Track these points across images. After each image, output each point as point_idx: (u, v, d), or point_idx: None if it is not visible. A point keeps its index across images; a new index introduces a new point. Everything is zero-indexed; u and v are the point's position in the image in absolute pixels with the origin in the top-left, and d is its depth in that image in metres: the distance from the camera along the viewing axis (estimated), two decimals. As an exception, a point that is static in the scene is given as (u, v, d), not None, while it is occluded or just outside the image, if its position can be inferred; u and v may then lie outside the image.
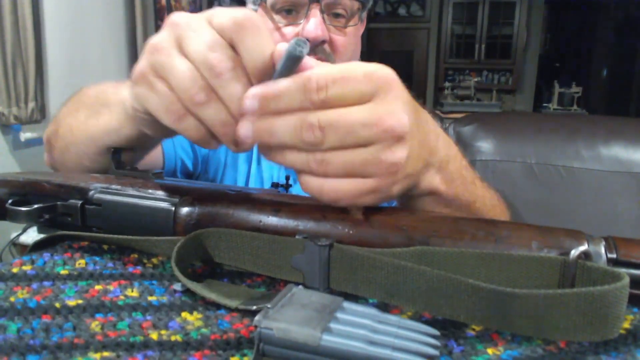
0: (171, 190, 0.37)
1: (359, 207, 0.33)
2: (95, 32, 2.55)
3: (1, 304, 0.29)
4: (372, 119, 0.30)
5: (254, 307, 0.27)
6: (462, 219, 0.32)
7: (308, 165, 0.31)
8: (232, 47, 0.31)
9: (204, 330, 0.27)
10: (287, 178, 0.74)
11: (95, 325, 0.27)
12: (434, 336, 0.23)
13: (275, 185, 0.74)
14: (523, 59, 5.30)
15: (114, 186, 0.38)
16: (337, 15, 0.67)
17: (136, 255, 0.36)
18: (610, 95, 5.56)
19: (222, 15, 0.32)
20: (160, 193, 0.37)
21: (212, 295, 0.29)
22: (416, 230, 0.31)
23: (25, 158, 2.18)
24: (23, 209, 0.37)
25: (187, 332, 0.27)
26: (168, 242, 0.33)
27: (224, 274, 0.34)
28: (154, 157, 0.57)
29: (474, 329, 0.28)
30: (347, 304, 0.25)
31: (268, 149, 0.33)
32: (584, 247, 0.27)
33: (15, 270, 0.33)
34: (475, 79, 5.12)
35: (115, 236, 0.35)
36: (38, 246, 0.37)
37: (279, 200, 0.35)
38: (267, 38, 0.31)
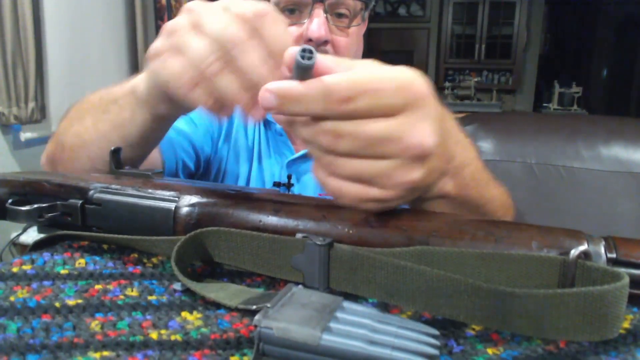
0: (171, 190, 0.37)
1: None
2: (95, 32, 2.55)
3: (1, 304, 0.29)
4: (395, 135, 0.28)
5: (254, 307, 0.27)
6: (462, 219, 0.32)
7: (318, 158, 0.31)
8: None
9: (203, 329, 0.27)
10: (289, 177, 0.74)
11: (95, 324, 0.27)
12: (434, 336, 0.23)
13: (277, 184, 0.74)
14: (523, 59, 5.30)
15: (113, 186, 0.38)
16: (340, 15, 0.67)
17: (136, 255, 0.36)
18: (610, 95, 5.56)
19: (241, 4, 0.34)
20: (160, 193, 0.37)
21: (211, 295, 0.29)
22: (416, 230, 0.31)
23: (25, 158, 2.18)
24: (23, 208, 0.37)
25: (187, 332, 0.27)
26: (168, 242, 0.33)
27: (224, 274, 0.34)
28: (152, 161, 0.57)
29: (474, 329, 0.28)
30: (347, 304, 0.25)
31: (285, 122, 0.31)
32: (583, 247, 0.27)
33: (15, 269, 0.33)
34: (475, 79, 5.12)
35: (115, 236, 0.35)
36: (38, 246, 0.37)
37: (279, 199, 0.35)
38: (286, 28, 0.35)
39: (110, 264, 0.35)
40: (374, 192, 0.30)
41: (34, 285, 0.31)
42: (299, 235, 0.31)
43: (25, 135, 2.13)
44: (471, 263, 0.29)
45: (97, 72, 2.55)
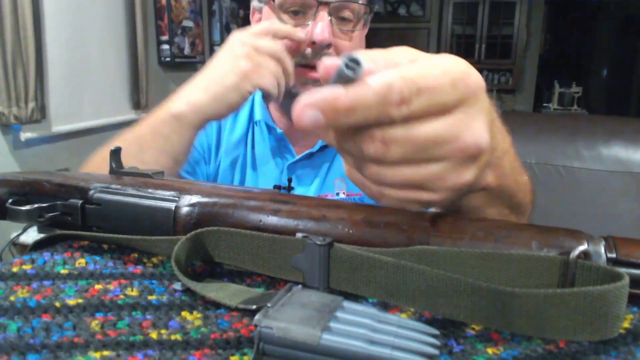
0: (171, 190, 0.37)
1: None
2: (95, 32, 2.55)
3: (1, 303, 0.29)
4: (449, 135, 0.25)
5: (254, 307, 0.27)
6: (462, 219, 0.32)
7: (358, 168, 0.28)
8: None
9: (203, 329, 0.27)
10: (290, 180, 0.74)
11: (95, 324, 0.27)
12: (434, 335, 0.23)
13: (277, 187, 0.74)
14: (523, 59, 5.30)
15: (113, 186, 0.38)
16: (343, 19, 0.67)
17: (136, 255, 0.36)
18: (610, 95, 5.56)
19: (262, 31, 0.61)
20: (160, 193, 0.37)
21: (211, 295, 0.29)
22: (416, 230, 0.31)
23: (25, 158, 2.18)
24: (23, 208, 0.37)
25: (187, 332, 0.27)
26: (168, 242, 0.33)
27: (224, 274, 0.34)
28: None
29: (473, 329, 0.28)
30: (347, 304, 0.25)
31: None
32: (583, 247, 0.27)
33: (15, 269, 0.33)
34: (475, 79, 5.11)
35: (115, 236, 0.35)
36: (38, 245, 0.37)
37: (279, 199, 0.35)
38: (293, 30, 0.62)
39: (110, 263, 0.35)
40: (422, 195, 0.28)
41: (34, 285, 0.31)
42: (299, 235, 0.31)
43: (25, 135, 2.14)
44: (471, 263, 0.29)
45: (97, 72, 2.56)
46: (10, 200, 0.39)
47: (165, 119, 0.57)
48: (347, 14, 0.67)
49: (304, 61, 0.66)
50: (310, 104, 0.24)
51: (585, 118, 1.84)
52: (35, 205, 0.37)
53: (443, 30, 5.32)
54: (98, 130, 2.55)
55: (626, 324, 0.28)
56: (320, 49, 0.65)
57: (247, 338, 0.26)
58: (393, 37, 5.39)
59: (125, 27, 2.79)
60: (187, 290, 0.31)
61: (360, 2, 0.66)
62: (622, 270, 0.26)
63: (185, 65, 3.37)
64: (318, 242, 0.30)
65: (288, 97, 0.64)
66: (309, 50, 0.65)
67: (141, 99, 2.85)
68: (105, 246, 0.37)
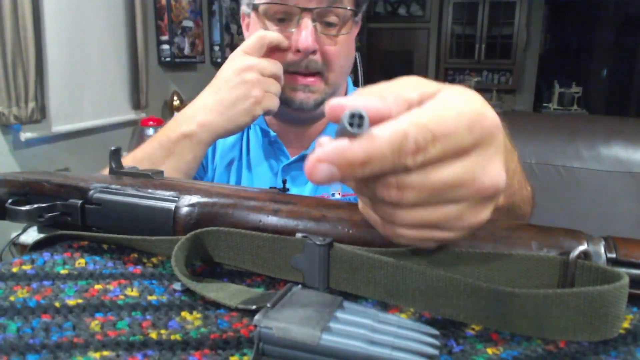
0: (171, 190, 0.37)
1: None
2: (95, 32, 2.54)
3: (1, 304, 0.29)
4: (466, 179, 0.25)
5: (254, 307, 0.27)
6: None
7: (374, 208, 0.27)
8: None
9: (203, 329, 0.27)
10: (284, 182, 0.74)
11: (95, 324, 0.27)
12: (433, 336, 0.23)
13: (272, 189, 0.74)
14: (523, 59, 5.30)
15: (113, 186, 0.38)
16: (329, 24, 0.67)
17: (136, 255, 0.36)
18: (610, 95, 5.56)
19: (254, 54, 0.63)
20: (160, 193, 0.37)
21: (211, 295, 0.29)
22: (416, 230, 0.31)
23: (25, 158, 2.18)
24: (23, 208, 0.37)
25: (187, 332, 0.27)
26: (168, 242, 0.33)
27: (223, 274, 0.34)
28: None
29: (473, 329, 0.28)
30: (346, 304, 0.25)
31: None
32: (583, 247, 0.27)
33: (15, 269, 0.33)
34: (475, 79, 5.13)
35: (115, 236, 0.35)
36: (38, 246, 0.37)
37: (278, 200, 0.35)
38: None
39: (110, 264, 0.35)
40: (438, 235, 0.27)
41: (34, 285, 0.31)
42: (298, 235, 0.31)
43: (25, 135, 2.13)
44: (471, 263, 0.29)
45: (97, 72, 2.55)
46: (10, 200, 0.39)
47: (177, 139, 0.61)
48: (332, 18, 0.66)
49: (291, 69, 0.66)
50: (323, 159, 0.23)
51: (585, 118, 1.84)
52: (35, 205, 0.37)
53: (443, 30, 5.32)
54: (98, 130, 2.55)
55: (626, 324, 0.28)
56: (305, 55, 0.65)
57: (246, 338, 0.26)
58: (393, 37, 5.39)
59: (125, 27, 2.79)
60: (186, 291, 0.31)
61: (341, 7, 0.66)
62: (622, 270, 0.26)
63: (185, 65, 3.37)
64: (318, 242, 0.30)
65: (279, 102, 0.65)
66: (295, 57, 0.66)
67: (141, 99, 2.85)
68: (105, 246, 0.37)
